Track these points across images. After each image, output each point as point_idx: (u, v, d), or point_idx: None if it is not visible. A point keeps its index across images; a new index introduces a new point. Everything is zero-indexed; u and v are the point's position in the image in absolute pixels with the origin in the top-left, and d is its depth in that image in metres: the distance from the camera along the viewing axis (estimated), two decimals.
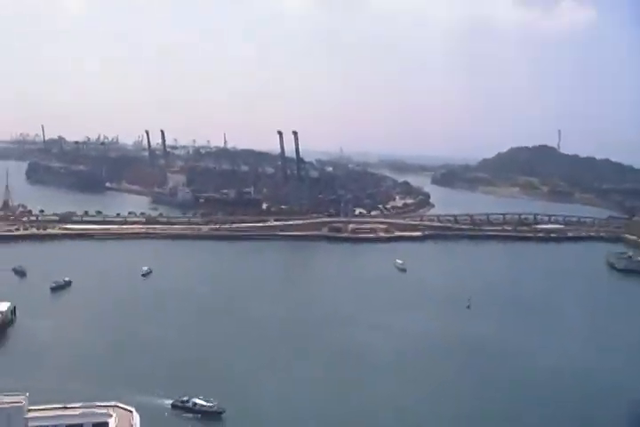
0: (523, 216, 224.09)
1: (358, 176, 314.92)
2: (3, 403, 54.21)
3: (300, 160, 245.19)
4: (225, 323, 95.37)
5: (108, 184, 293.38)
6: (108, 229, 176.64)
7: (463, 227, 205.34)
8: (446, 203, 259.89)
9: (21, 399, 55.00)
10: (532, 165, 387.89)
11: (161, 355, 79.93)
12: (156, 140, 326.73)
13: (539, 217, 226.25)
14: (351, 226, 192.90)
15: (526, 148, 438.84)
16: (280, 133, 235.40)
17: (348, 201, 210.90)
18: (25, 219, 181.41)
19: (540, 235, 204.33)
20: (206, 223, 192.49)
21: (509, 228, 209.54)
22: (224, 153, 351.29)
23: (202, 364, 77.77)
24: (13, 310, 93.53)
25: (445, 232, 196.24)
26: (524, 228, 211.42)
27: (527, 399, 72.51)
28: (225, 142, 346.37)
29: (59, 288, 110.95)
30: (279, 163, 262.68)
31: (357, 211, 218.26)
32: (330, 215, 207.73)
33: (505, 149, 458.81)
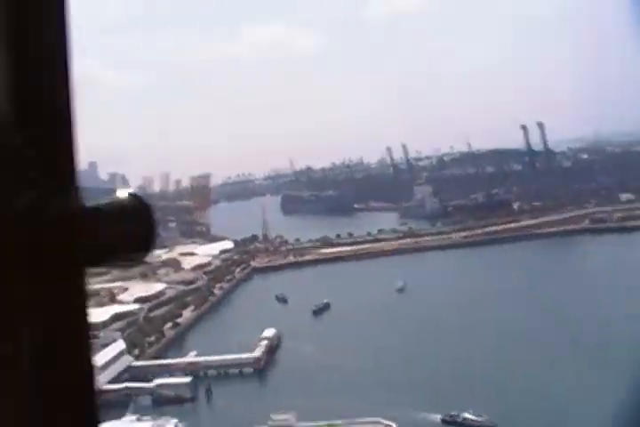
0: None
1: (619, 159, 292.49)
2: (275, 420, 60.13)
3: (549, 152, 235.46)
4: (484, 334, 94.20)
5: (356, 205, 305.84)
6: (360, 249, 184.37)
7: None
8: None
9: (290, 417, 60.46)
10: None
11: (426, 370, 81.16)
12: (399, 155, 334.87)
13: None
14: (617, 214, 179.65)
15: None
16: (524, 127, 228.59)
17: (609, 188, 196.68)
18: (283, 249, 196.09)
19: None
20: (456, 231, 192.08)
21: None
22: (468, 157, 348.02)
23: (471, 377, 77.40)
24: (279, 335, 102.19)
25: None
26: None
27: None
28: (468, 146, 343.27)
29: (319, 311, 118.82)
30: (526, 158, 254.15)
31: (623, 196, 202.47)
32: (590, 206, 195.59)
33: None
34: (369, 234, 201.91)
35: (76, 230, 1.67)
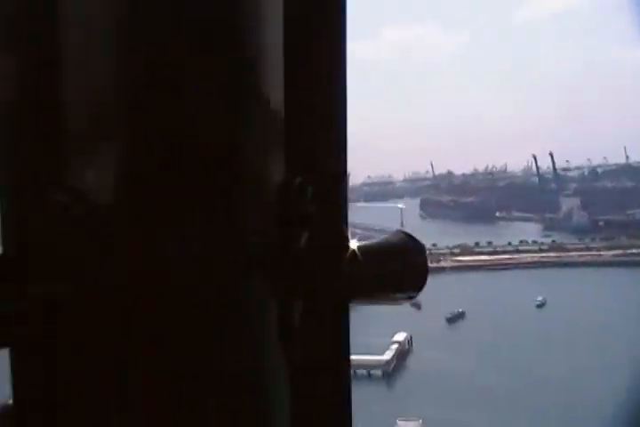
0: None
1: None
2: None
3: None
4: (623, 361, 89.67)
5: (497, 214, 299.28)
6: (499, 259, 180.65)
7: None
8: None
9: (416, 425, 60.58)
10: None
11: (560, 391, 78.79)
12: (547, 164, 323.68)
13: None
14: None
15: None
16: None
17: None
18: None
19: None
20: (608, 249, 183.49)
21: None
22: (625, 169, 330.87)
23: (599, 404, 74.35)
24: (410, 340, 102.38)
25: None
26: None
27: None
28: (626, 157, 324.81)
29: (453, 319, 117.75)
30: None
31: None
32: None
33: None
34: (510, 244, 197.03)
35: (346, 267, 1.71)
